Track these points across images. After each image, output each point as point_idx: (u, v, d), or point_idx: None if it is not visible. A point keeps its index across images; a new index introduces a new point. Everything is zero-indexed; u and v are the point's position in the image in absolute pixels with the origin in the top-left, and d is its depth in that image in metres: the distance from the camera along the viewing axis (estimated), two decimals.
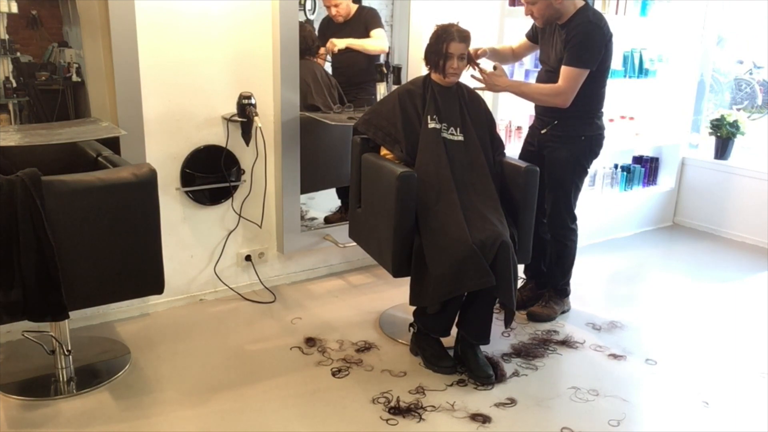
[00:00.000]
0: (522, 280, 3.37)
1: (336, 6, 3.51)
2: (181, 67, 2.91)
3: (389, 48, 3.63)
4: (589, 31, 2.79)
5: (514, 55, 3.25)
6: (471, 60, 2.84)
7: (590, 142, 3.01)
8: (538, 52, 3.12)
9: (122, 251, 2.30)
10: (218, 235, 3.23)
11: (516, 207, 2.75)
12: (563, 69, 2.82)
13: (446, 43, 2.65)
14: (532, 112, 3.70)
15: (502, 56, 3.20)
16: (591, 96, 2.93)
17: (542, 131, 3.05)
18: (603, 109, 3.05)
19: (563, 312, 3.26)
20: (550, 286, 3.25)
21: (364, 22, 3.55)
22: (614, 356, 2.89)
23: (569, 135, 2.97)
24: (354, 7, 3.57)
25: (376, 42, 3.51)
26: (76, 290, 2.23)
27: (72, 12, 2.95)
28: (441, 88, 2.76)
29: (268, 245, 3.40)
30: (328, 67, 3.69)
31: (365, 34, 3.54)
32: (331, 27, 3.60)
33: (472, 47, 2.82)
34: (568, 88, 2.82)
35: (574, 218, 3.12)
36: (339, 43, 3.50)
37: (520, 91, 2.94)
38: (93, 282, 2.29)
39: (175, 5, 2.82)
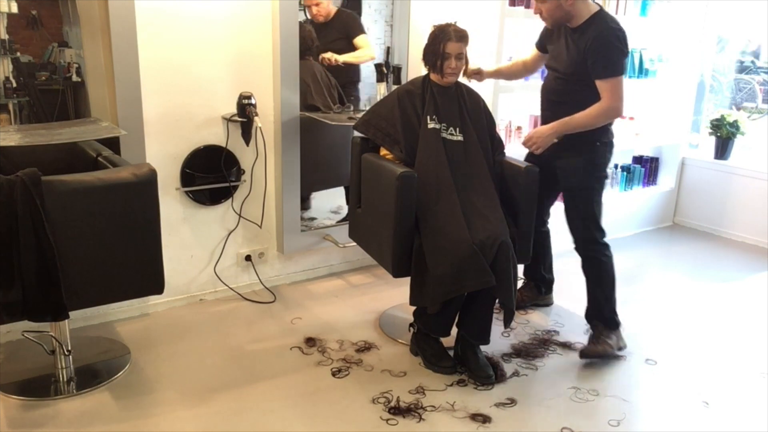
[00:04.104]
0: (521, 280, 3.37)
1: (317, 5, 3.53)
2: (181, 67, 2.91)
3: (389, 48, 3.65)
4: (617, 38, 2.64)
5: (528, 69, 3.16)
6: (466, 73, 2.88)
7: (605, 148, 2.84)
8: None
9: (122, 251, 2.30)
10: (218, 235, 3.23)
11: (516, 207, 2.74)
12: (604, 83, 2.65)
13: (443, 43, 2.65)
14: (533, 113, 3.66)
15: (508, 74, 3.16)
16: None
17: (554, 140, 2.81)
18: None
19: (620, 348, 2.89)
20: (595, 317, 2.91)
21: (344, 26, 3.59)
22: (614, 356, 2.89)
23: (585, 141, 2.78)
24: (333, 8, 3.60)
25: (366, 52, 3.60)
26: (76, 290, 2.23)
27: (72, 12, 2.95)
28: (440, 88, 2.76)
29: (268, 245, 3.40)
30: None
31: (348, 39, 3.59)
32: (314, 28, 3.61)
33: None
34: (618, 99, 2.64)
35: (602, 232, 2.85)
36: (339, 59, 3.55)
37: (569, 127, 2.73)
38: (93, 282, 2.29)
39: (176, 5, 2.82)
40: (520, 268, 3.17)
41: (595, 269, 2.87)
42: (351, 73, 3.72)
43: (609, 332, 2.86)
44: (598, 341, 2.85)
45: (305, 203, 3.73)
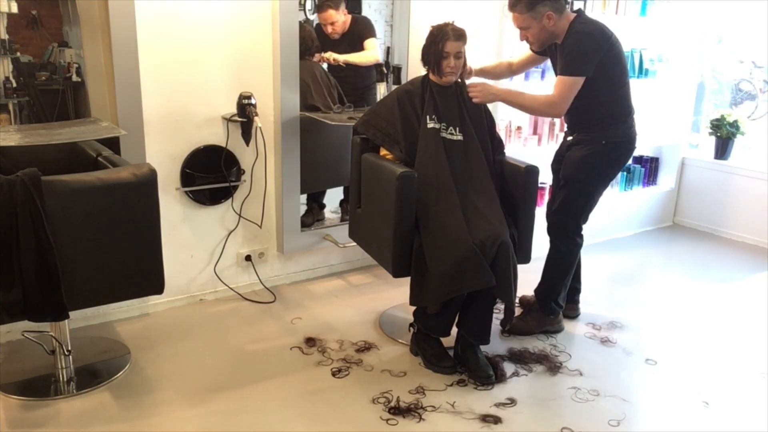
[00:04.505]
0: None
1: (332, 24, 3.52)
2: (181, 67, 2.91)
3: (389, 48, 3.66)
4: (578, 40, 2.71)
5: (512, 71, 3.18)
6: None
7: (611, 147, 2.88)
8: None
9: (122, 251, 2.30)
10: (218, 235, 3.23)
11: (516, 207, 2.74)
12: (556, 79, 2.77)
13: (442, 43, 2.65)
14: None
15: (494, 74, 3.17)
16: (607, 101, 2.84)
17: (569, 138, 3.00)
18: (631, 115, 2.94)
19: (548, 332, 3.04)
20: (537, 296, 3.09)
21: (358, 32, 3.58)
22: (614, 357, 2.88)
23: (591, 139, 2.88)
24: (348, 19, 3.57)
25: (369, 54, 3.57)
26: (76, 290, 2.23)
27: (72, 12, 2.95)
28: (439, 88, 2.76)
29: (268, 245, 3.40)
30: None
31: (360, 44, 3.57)
32: (329, 40, 3.60)
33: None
34: (560, 98, 2.74)
35: (577, 227, 2.99)
36: (339, 58, 3.54)
37: (515, 100, 2.85)
38: (93, 282, 2.29)
39: (176, 5, 2.82)
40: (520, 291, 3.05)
41: (553, 254, 3.04)
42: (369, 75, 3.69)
43: (541, 314, 3.04)
44: (523, 318, 3.05)
45: (320, 201, 3.74)
